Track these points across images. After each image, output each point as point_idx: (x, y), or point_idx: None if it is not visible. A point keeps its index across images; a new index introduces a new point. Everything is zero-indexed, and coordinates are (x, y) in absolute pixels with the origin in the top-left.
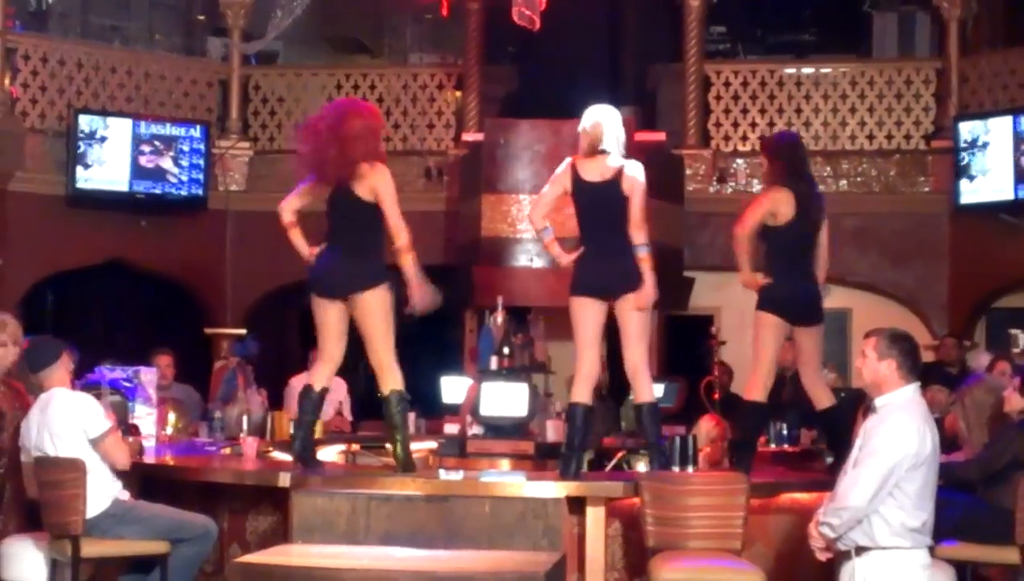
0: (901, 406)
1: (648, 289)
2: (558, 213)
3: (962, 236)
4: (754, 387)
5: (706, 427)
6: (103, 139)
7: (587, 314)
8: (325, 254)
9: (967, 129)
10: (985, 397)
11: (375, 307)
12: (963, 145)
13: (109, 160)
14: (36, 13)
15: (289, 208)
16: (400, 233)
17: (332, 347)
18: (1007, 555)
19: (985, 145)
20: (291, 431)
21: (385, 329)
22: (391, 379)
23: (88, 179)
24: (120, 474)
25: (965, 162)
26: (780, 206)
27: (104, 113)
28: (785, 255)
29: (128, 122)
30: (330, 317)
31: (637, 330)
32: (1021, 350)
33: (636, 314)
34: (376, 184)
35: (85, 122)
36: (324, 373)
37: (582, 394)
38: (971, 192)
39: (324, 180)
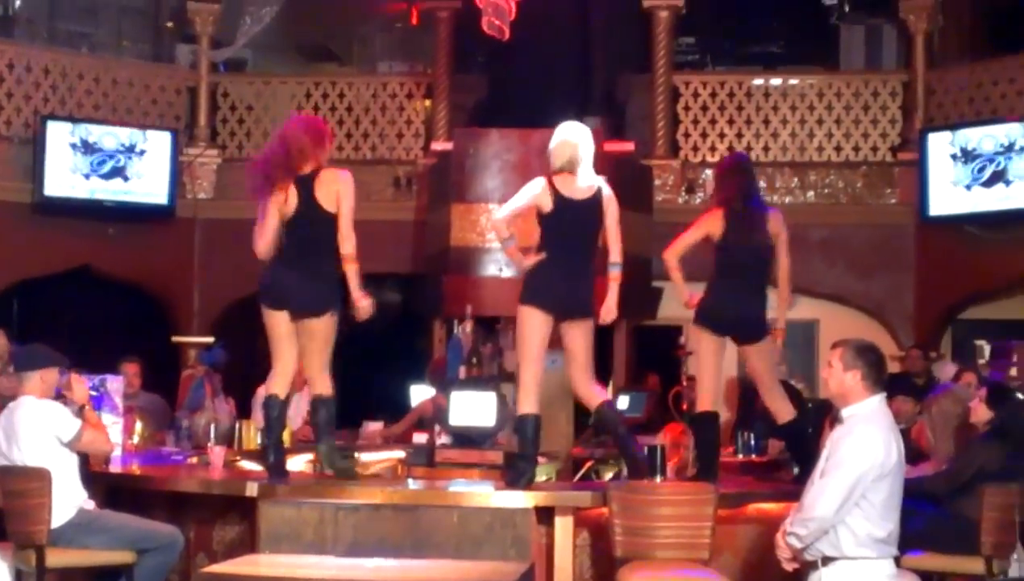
0: (867, 417)
1: (613, 308)
2: (525, 221)
3: (928, 248)
4: (703, 400)
5: (671, 436)
6: (73, 146)
7: (539, 326)
8: (278, 266)
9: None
10: (952, 407)
11: (321, 332)
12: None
13: (78, 167)
14: (2, 19)
15: (265, 243)
16: (348, 241)
17: (286, 354)
18: (972, 565)
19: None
20: (260, 441)
21: (324, 349)
22: (319, 385)
23: (55, 186)
24: (86, 483)
25: (1002, 167)
26: (712, 228)
27: (71, 120)
28: (724, 272)
29: (96, 129)
30: (280, 327)
31: (590, 350)
32: (986, 361)
33: (589, 334)
34: (340, 189)
35: (53, 129)
36: (284, 381)
37: (531, 405)
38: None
39: (279, 182)
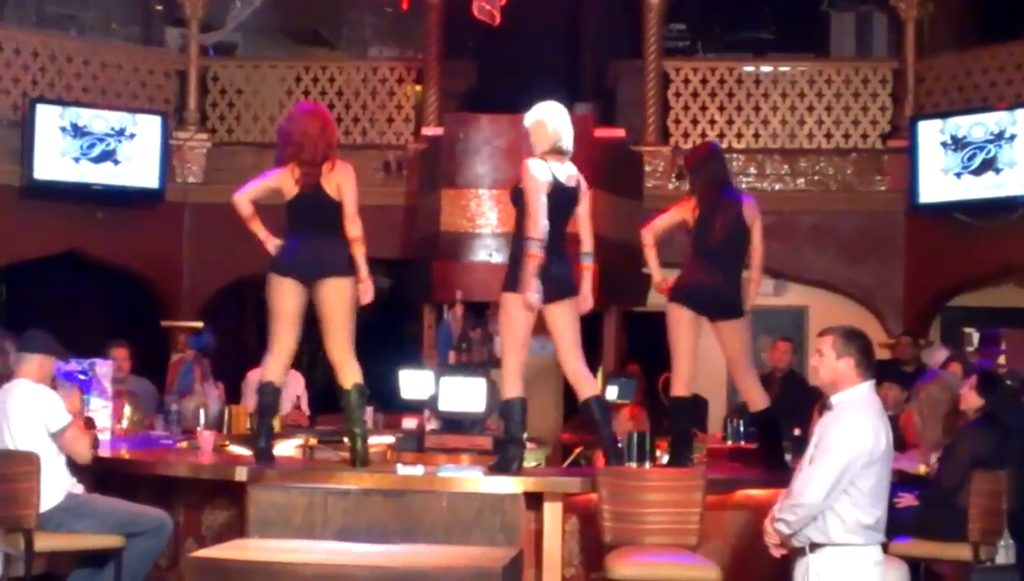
0: (856, 403)
1: (589, 297)
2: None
3: (918, 235)
4: (677, 386)
5: (624, 418)
6: (63, 129)
7: (527, 316)
8: (293, 239)
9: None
10: (941, 394)
11: (343, 294)
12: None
13: (67, 150)
14: None
15: (247, 198)
16: (355, 225)
17: (286, 336)
18: (959, 551)
19: (1013, 137)
20: (251, 426)
21: (349, 319)
22: (352, 372)
23: (44, 170)
24: (75, 467)
25: (992, 155)
26: (685, 215)
27: (61, 103)
28: (700, 254)
29: (85, 112)
30: (289, 303)
31: (577, 334)
32: (975, 349)
33: (575, 318)
34: (343, 181)
35: (42, 112)
36: (281, 366)
37: (517, 388)
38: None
39: (310, 162)
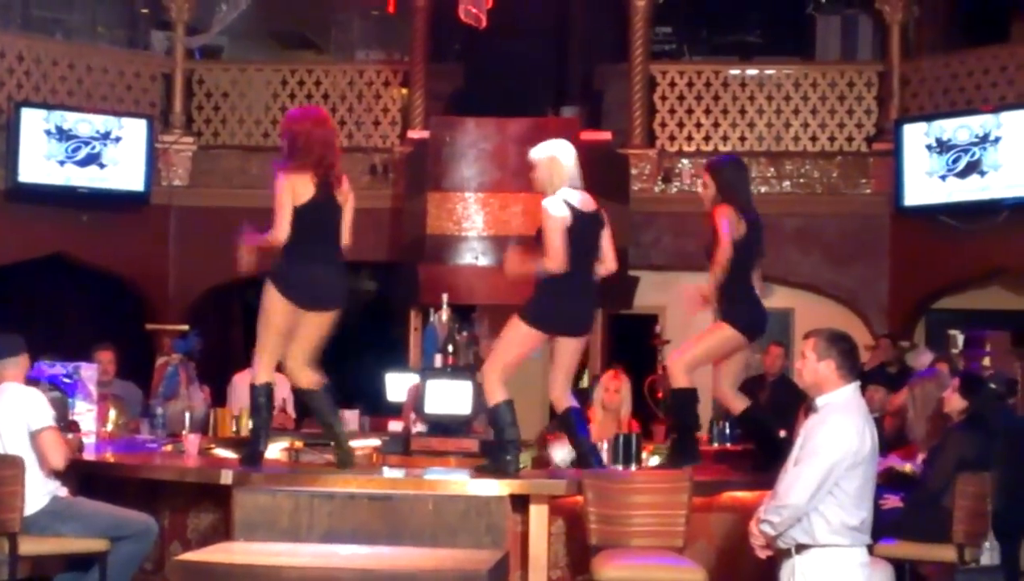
0: (841, 405)
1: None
2: (503, 211)
3: (903, 238)
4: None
5: (605, 380)
6: (48, 132)
7: (534, 345)
8: (303, 261)
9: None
10: (934, 392)
11: (332, 324)
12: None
13: (52, 154)
14: None
15: (286, 229)
16: (350, 234)
17: (279, 347)
18: (944, 553)
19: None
20: (251, 426)
21: (322, 342)
22: (311, 375)
23: (29, 173)
24: (60, 471)
25: (976, 158)
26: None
27: (46, 106)
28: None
29: (71, 115)
30: (288, 320)
31: (575, 368)
32: (960, 351)
33: (579, 355)
34: (346, 191)
35: (27, 116)
36: (272, 370)
37: (501, 393)
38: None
39: (324, 165)
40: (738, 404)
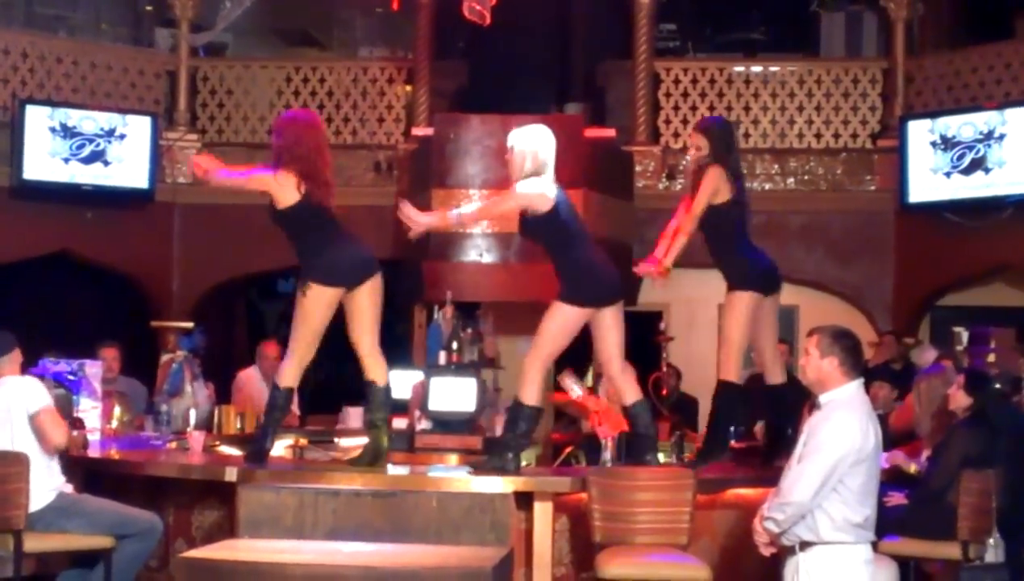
0: (845, 402)
1: None
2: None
3: (907, 235)
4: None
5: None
6: (52, 130)
7: (576, 324)
8: (336, 242)
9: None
10: (941, 388)
11: (379, 293)
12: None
13: (57, 151)
14: None
15: (232, 182)
16: None
17: (313, 345)
18: (948, 550)
19: (1002, 137)
20: (260, 426)
21: (378, 318)
22: (378, 368)
23: (33, 170)
24: (65, 467)
25: (981, 154)
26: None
27: (50, 103)
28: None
29: (75, 113)
30: (327, 312)
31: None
32: (964, 348)
33: (621, 318)
34: None
35: (31, 113)
36: (299, 373)
37: (535, 397)
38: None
39: (325, 180)
40: (777, 375)
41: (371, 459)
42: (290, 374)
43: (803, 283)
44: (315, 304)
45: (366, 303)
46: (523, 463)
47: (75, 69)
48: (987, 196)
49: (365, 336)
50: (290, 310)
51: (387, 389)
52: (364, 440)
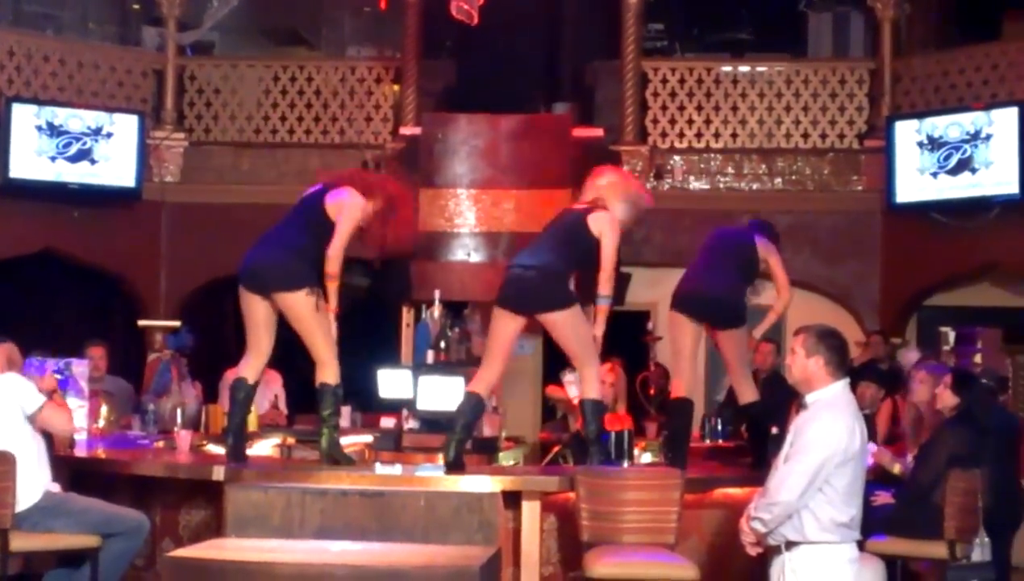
0: (831, 402)
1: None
2: (495, 207)
3: (894, 235)
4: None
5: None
6: (39, 128)
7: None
8: (256, 245)
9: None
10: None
11: (300, 312)
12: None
13: (43, 149)
14: None
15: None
16: (335, 261)
17: (262, 341)
18: (935, 549)
19: (989, 137)
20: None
21: (315, 330)
22: (326, 371)
23: (20, 168)
24: (52, 466)
25: (968, 155)
26: None
27: (37, 102)
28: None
29: (62, 111)
30: (257, 312)
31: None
32: (951, 348)
33: None
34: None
35: (18, 111)
36: (255, 366)
37: (478, 386)
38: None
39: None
40: (746, 394)
41: (328, 461)
42: (246, 366)
43: (790, 283)
44: (241, 301)
45: (288, 315)
46: (513, 460)
47: (62, 67)
48: (974, 196)
49: (308, 347)
50: None
51: (327, 392)
52: (351, 439)
